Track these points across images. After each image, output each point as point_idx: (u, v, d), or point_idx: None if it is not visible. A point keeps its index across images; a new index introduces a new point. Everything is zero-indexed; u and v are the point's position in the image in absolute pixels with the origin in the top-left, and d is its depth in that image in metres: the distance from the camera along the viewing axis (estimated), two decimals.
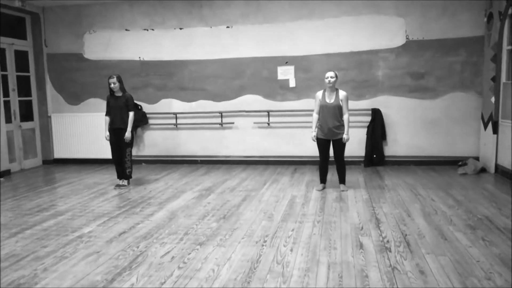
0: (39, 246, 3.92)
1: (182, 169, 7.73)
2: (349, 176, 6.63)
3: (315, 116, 5.67)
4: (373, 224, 4.30)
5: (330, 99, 5.52)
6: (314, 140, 5.70)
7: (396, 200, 5.22)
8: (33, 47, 8.45)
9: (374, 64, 7.43)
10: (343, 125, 5.56)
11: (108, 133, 6.17)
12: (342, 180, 5.78)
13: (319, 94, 5.65)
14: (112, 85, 6.02)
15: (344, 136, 5.54)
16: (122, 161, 6.22)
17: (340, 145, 5.59)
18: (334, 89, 5.55)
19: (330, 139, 5.61)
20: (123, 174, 6.30)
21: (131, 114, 6.12)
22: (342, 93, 5.55)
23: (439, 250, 3.57)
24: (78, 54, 8.41)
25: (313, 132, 5.67)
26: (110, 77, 6.05)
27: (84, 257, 3.62)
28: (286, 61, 7.68)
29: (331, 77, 5.45)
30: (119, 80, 6.06)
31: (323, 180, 5.87)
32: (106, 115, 6.20)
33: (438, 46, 7.20)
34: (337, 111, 5.51)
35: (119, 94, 6.12)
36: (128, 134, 6.09)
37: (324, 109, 5.54)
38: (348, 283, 3.01)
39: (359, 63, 7.46)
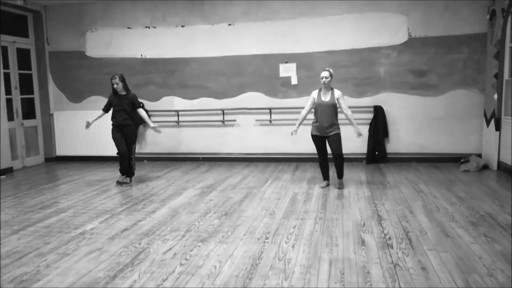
0: (42, 243, 3.93)
1: (184, 166, 7.74)
2: (351, 173, 6.64)
3: (303, 113, 5.75)
4: (375, 221, 4.30)
5: (325, 98, 5.56)
6: (292, 134, 5.70)
7: (398, 197, 5.21)
8: (35, 45, 8.46)
9: (376, 61, 7.42)
10: (337, 123, 5.60)
11: (91, 121, 6.24)
12: (340, 175, 5.76)
13: (315, 93, 5.67)
14: (115, 86, 6.05)
15: (357, 131, 5.58)
16: (130, 157, 6.28)
17: (335, 140, 5.57)
18: (329, 88, 5.59)
19: (325, 136, 5.62)
20: (129, 170, 6.33)
21: (142, 111, 6.31)
22: (337, 92, 5.59)
23: (441, 247, 3.57)
24: (80, 52, 8.42)
25: (295, 127, 5.69)
26: (112, 78, 6.06)
27: (86, 254, 3.64)
28: (286, 60, 7.67)
29: (325, 77, 5.51)
30: (122, 80, 6.09)
31: (325, 177, 5.87)
32: (102, 109, 6.29)
33: (440, 43, 7.18)
34: (332, 109, 5.53)
35: (123, 93, 6.15)
36: (153, 124, 6.26)
37: (320, 107, 5.57)
38: (350, 280, 3.01)
39: (361, 60, 7.44)
